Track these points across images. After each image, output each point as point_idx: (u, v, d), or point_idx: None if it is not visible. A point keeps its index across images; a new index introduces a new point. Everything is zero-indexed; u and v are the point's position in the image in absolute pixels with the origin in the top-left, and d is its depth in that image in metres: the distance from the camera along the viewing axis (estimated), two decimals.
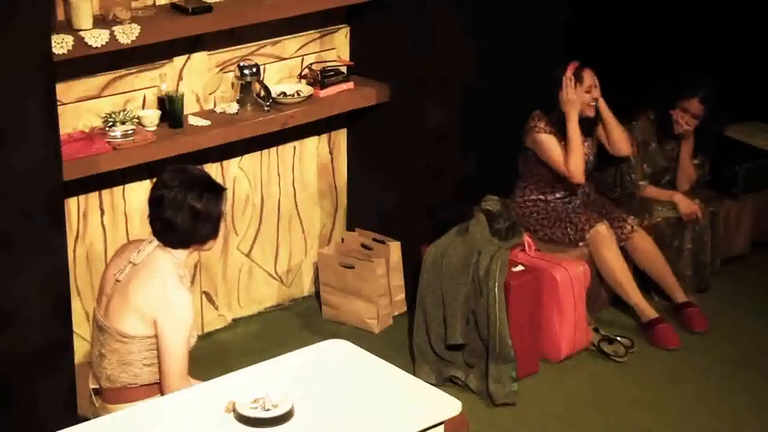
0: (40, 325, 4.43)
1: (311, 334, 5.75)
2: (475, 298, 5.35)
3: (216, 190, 4.12)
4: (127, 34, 4.89)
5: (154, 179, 5.16)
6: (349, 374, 3.95)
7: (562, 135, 5.80)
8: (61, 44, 4.69)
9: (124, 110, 5.16)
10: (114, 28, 4.86)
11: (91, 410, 4.28)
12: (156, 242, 4.14)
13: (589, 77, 5.82)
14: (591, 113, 5.85)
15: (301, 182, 5.98)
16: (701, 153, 6.30)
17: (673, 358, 5.67)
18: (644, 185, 6.19)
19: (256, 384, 3.74)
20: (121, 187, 5.37)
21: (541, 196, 5.92)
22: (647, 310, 5.81)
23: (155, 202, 4.10)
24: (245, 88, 5.49)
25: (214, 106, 5.54)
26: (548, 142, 5.80)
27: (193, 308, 4.09)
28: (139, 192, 5.38)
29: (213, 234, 4.15)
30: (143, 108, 5.32)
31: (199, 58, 5.46)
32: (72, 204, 5.21)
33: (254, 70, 5.48)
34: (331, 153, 6.06)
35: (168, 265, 4.09)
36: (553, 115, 5.81)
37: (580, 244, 5.81)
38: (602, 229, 5.78)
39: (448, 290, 5.39)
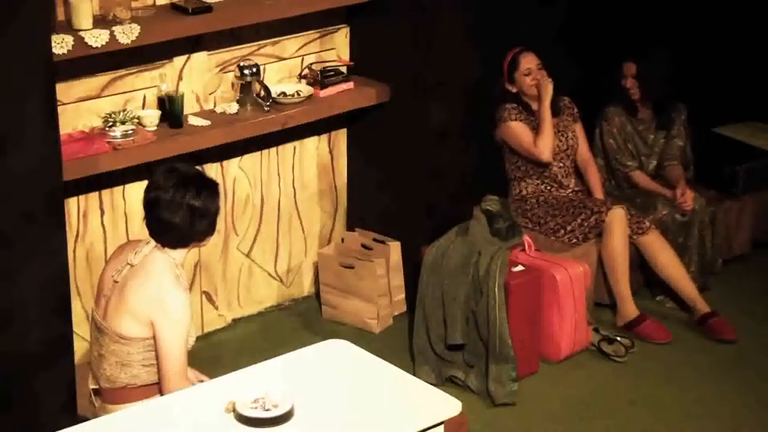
0: (40, 325, 4.43)
1: (311, 334, 5.75)
2: (475, 298, 5.35)
3: (211, 187, 4.12)
4: (127, 34, 4.89)
5: None
6: (349, 374, 3.95)
7: (528, 120, 5.96)
8: (61, 44, 4.69)
9: (124, 110, 5.16)
10: (114, 28, 4.86)
11: (91, 410, 4.28)
12: (153, 243, 4.13)
13: (526, 61, 5.94)
14: (535, 93, 5.96)
15: (301, 182, 5.98)
16: (681, 130, 6.30)
17: (673, 358, 5.67)
18: (633, 165, 6.21)
19: (256, 384, 3.75)
20: (121, 187, 5.37)
21: (543, 187, 5.95)
22: (631, 308, 5.80)
23: (151, 205, 4.09)
24: (245, 88, 5.49)
25: (214, 106, 5.54)
26: (517, 128, 5.94)
27: (190, 308, 4.08)
28: (139, 192, 5.35)
29: (211, 230, 4.15)
30: (143, 108, 5.32)
31: (199, 58, 5.46)
32: (72, 204, 5.21)
33: (254, 70, 5.48)
34: (331, 153, 6.06)
35: (165, 266, 4.08)
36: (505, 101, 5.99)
37: (591, 236, 5.80)
38: (619, 211, 5.80)
39: (448, 290, 5.39)
